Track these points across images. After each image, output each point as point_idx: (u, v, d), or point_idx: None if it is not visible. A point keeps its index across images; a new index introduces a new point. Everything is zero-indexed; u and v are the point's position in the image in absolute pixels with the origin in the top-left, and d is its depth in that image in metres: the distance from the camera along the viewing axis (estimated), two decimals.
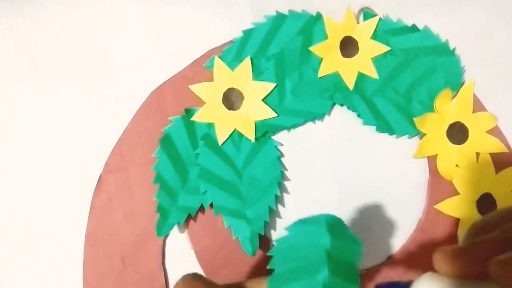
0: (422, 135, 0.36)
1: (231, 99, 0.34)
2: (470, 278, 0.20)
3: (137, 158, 0.33)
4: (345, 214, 0.35)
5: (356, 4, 0.37)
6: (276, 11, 0.35)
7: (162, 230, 0.32)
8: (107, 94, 0.34)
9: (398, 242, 0.35)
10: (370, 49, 0.36)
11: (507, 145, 0.36)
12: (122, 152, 0.33)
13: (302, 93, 0.35)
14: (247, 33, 0.35)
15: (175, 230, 0.33)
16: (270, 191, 0.33)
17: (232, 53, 0.35)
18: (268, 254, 0.23)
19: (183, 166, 0.33)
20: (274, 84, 0.34)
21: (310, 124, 0.36)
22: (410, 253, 0.35)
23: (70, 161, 0.33)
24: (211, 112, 0.34)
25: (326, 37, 0.36)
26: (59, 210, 0.33)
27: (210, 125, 0.34)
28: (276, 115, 0.34)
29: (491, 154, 0.36)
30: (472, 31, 0.38)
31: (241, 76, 0.34)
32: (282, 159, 0.35)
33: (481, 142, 0.36)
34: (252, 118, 0.34)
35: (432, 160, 0.36)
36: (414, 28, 0.37)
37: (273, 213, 0.34)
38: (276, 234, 0.34)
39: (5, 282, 0.32)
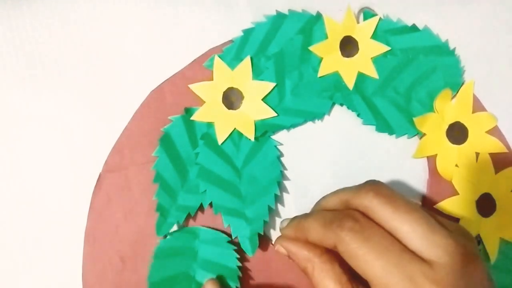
0: (421, 135, 0.36)
1: (231, 99, 0.34)
2: None
3: (137, 157, 0.33)
4: None
5: (356, 4, 0.37)
6: (276, 10, 0.35)
7: (162, 230, 0.32)
8: (107, 93, 0.34)
9: None
10: (370, 49, 0.36)
11: (507, 145, 0.36)
12: (121, 151, 0.33)
13: (302, 93, 0.35)
14: (247, 33, 0.35)
15: (174, 229, 0.33)
16: (269, 190, 0.33)
17: (232, 52, 0.34)
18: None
19: (183, 166, 0.33)
20: (274, 84, 0.34)
21: (310, 124, 0.36)
22: None
23: (69, 160, 0.33)
24: (211, 112, 0.34)
25: (326, 37, 0.36)
26: (58, 209, 0.33)
27: (210, 125, 0.34)
28: (276, 114, 0.34)
29: (490, 154, 0.36)
30: (471, 31, 0.38)
31: (241, 75, 0.34)
32: (282, 159, 0.35)
33: (480, 142, 0.36)
34: (252, 118, 0.34)
35: (431, 160, 0.36)
36: (414, 28, 0.37)
37: (272, 213, 0.34)
38: (276, 233, 0.34)
39: (4, 282, 0.32)
